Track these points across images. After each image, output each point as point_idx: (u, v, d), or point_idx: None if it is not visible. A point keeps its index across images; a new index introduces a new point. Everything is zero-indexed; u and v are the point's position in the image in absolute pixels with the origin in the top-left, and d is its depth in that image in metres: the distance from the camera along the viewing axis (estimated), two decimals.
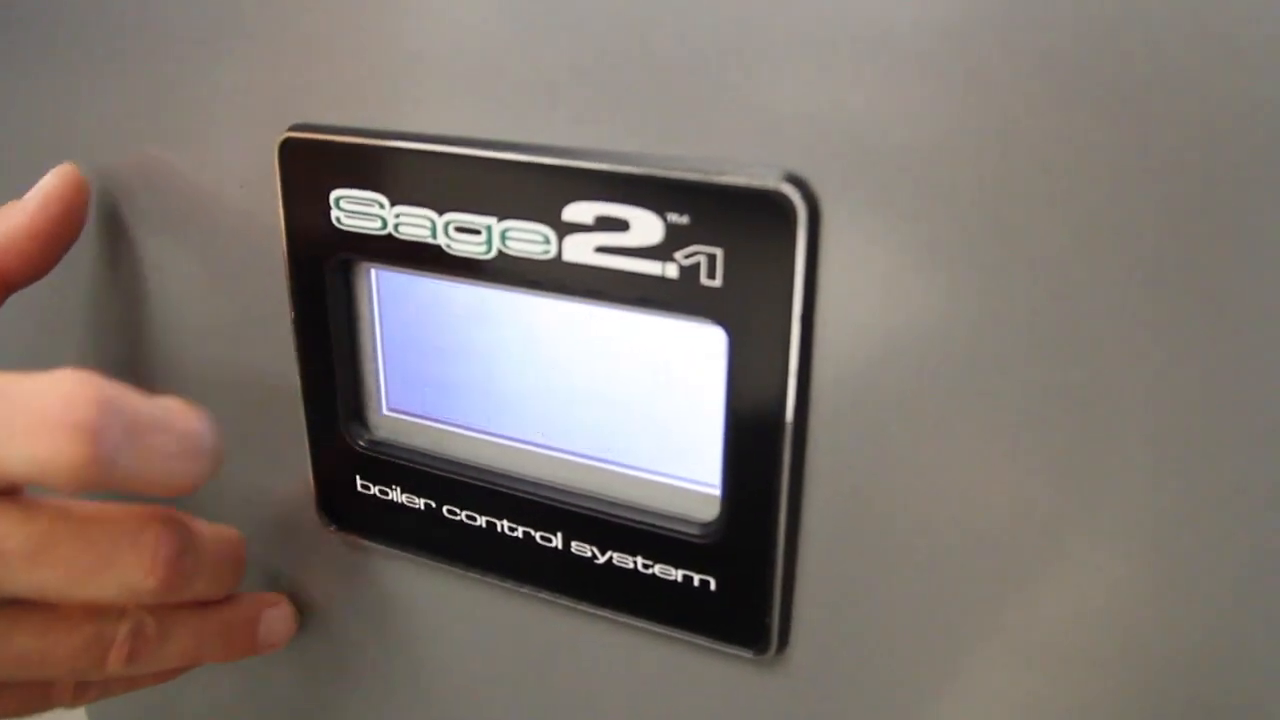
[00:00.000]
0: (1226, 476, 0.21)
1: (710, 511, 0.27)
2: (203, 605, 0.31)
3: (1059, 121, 0.20)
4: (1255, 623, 0.22)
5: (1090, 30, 0.20)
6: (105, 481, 0.24)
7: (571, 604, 0.29)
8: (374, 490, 0.31)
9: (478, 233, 0.26)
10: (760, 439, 0.25)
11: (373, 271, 0.29)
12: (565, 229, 0.25)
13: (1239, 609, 0.22)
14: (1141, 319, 0.21)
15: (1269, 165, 0.19)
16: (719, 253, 0.23)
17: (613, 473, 0.28)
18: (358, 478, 0.31)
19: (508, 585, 0.30)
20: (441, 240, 0.27)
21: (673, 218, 0.24)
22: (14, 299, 0.33)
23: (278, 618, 0.34)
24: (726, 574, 0.27)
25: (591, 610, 0.29)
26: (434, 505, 0.30)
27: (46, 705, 0.31)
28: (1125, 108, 0.20)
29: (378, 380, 0.31)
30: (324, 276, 0.29)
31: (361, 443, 0.31)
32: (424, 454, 0.30)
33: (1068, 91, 0.20)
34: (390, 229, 0.27)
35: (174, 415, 0.26)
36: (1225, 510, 0.22)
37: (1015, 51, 0.20)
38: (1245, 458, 0.21)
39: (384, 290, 0.30)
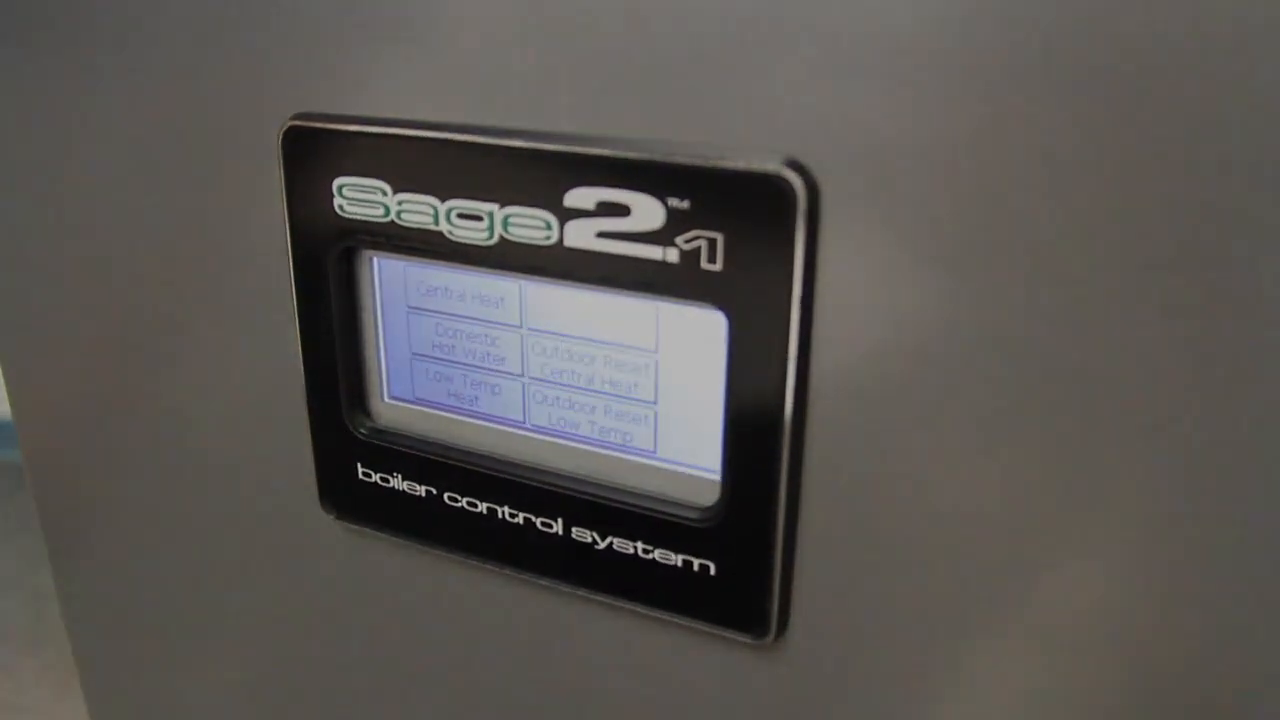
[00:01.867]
0: (1226, 469, 0.21)
1: (710, 496, 0.27)
2: None
3: (1058, 111, 0.21)
4: (1255, 616, 0.22)
5: (1090, 20, 0.20)
6: None
7: (571, 590, 0.30)
8: (375, 478, 0.31)
9: (480, 219, 0.26)
10: (760, 424, 0.25)
11: (375, 259, 0.30)
12: (567, 214, 0.25)
13: (1239, 602, 0.22)
14: (1143, 308, 0.21)
15: (1269, 157, 0.19)
16: (719, 237, 0.24)
17: (613, 458, 0.28)
18: (359, 465, 0.32)
19: (508, 572, 0.31)
20: (444, 227, 0.27)
21: (674, 202, 0.24)
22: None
23: None
24: (726, 559, 0.27)
25: (591, 596, 0.29)
26: (435, 492, 0.31)
27: None
28: (1125, 97, 0.20)
29: (379, 368, 0.31)
30: (326, 264, 0.29)
31: (363, 430, 0.31)
32: (425, 441, 0.31)
33: (1067, 81, 0.20)
34: (393, 216, 0.28)
35: None
36: (1225, 502, 0.22)
37: (1015, 41, 0.20)
38: (1245, 450, 0.21)
39: (386, 277, 0.30)
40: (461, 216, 0.27)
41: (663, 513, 0.27)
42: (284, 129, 0.28)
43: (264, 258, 0.31)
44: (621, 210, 0.24)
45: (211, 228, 0.32)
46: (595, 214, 0.25)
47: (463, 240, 0.27)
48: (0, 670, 1.51)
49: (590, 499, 0.28)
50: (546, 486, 0.29)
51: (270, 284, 0.32)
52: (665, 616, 0.28)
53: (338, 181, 0.28)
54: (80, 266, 0.36)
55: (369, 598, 0.35)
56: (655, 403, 0.27)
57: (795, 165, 0.23)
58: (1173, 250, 0.20)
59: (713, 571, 0.27)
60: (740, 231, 0.23)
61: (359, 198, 0.28)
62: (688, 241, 0.24)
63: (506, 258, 0.26)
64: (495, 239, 0.26)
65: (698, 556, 0.27)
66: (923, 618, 0.26)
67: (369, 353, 0.31)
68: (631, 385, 0.27)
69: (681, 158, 0.24)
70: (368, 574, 0.34)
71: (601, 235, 0.25)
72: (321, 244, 0.29)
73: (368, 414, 0.32)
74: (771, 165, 0.23)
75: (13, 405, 0.40)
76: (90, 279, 0.36)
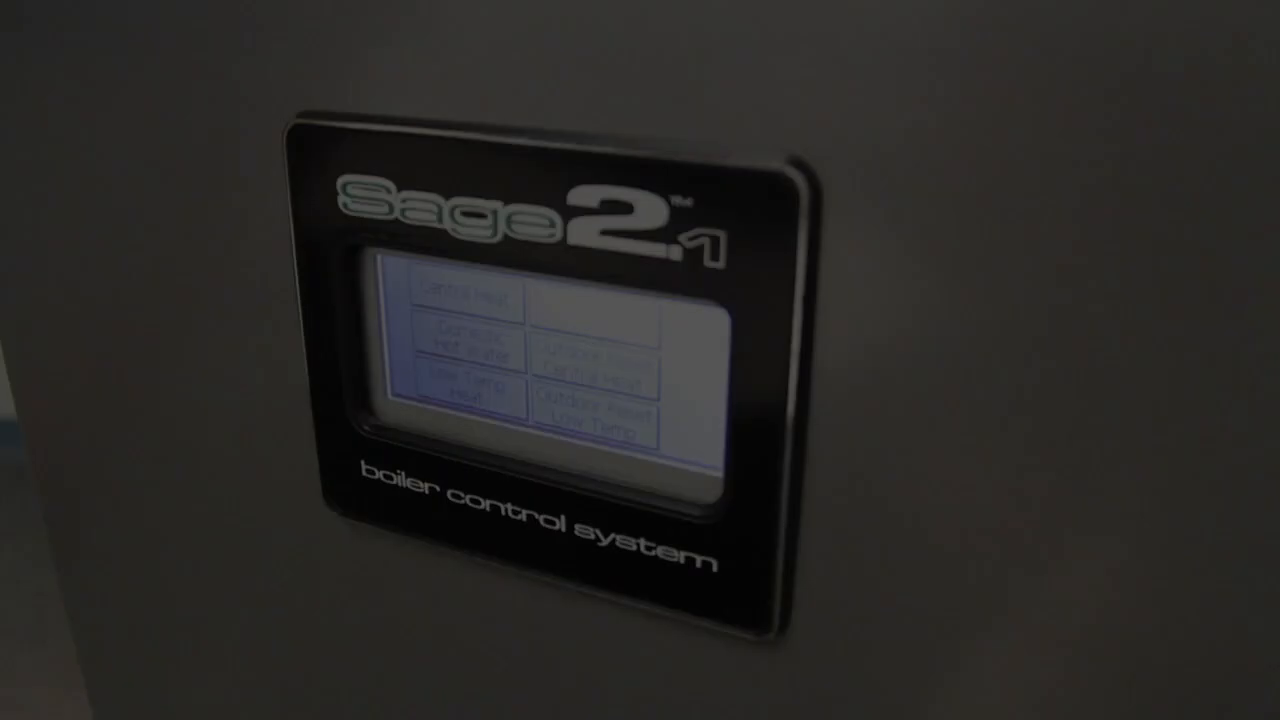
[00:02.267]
0: (1225, 469, 0.22)
1: (712, 493, 0.27)
2: None
3: (1060, 110, 0.21)
4: (1255, 616, 0.22)
5: (1092, 18, 0.20)
6: None
7: (574, 587, 0.30)
8: (379, 475, 0.32)
9: (484, 217, 0.26)
10: (762, 421, 0.25)
11: (379, 256, 0.30)
12: (570, 212, 0.25)
13: (1239, 602, 0.22)
14: (1144, 306, 0.21)
15: (1270, 157, 0.19)
16: (722, 235, 0.24)
17: (616, 455, 0.28)
18: (363, 463, 0.32)
19: (511, 569, 0.31)
20: (448, 224, 0.27)
21: (677, 200, 0.24)
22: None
23: None
24: (728, 556, 0.27)
25: (594, 593, 0.29)
26: (438, 489, 0.31)
27: None
28: (1126, 95, 0.20)
29: (383, 365, 0.31)
30: (331, 262, 0.29)
31: (366, 428, 0.31)
32: (428, 438, 0.31)
33: (1069, 80, 0.20)
34: (397, 214, 0.28)
35: None
36: (1224, 503, 0.22)
37: (1017, 39, 0.20)
38: (1246, 450, 0.21)
39: (390, 275, 0.30)
40: (465, 214, 0.27)
41: (665, 510, 0.27)
42: (289, 127, 0.29)
43: (268, 256, 0.31)
44: (625, 208, 0.25)
45: (216, 226, 0.32)
46: (599, 212, 0.25)
47: (467, 238, 0.27)
48: (1, 668, 1.51)
49: (593, 496, 0.28)
50: (549, 483, 0.29)
51: (274, 282, 0.32)
52: (667, 613, 0.28)
53: (342, 179, 0.28)
54: (84, 265, 0.36)
55: (372, 594, 0.35)
56: (658, 400, 0.27)
57: (798, 163, 0.23)
58: (1174, 249, 0.21)
59: (715, 569, 0.27)
60: (743, 229, 0.24)
61: (363, 195, 0.28)
62: (691, 239, 0.24)
63: (510, 255, 0.27)
64: (499, 236, 0.26)
65: (700, 554, 0.27)
66: (924, 615, 0.26)
67: (373, 350, 0.31)
68: (634, 382, 0.27)
69: (685, 156, 0.24)
70: (371, 571, 0.34)
71: (605, 233, 0.25)
72: (326, 241, 0.29)
73: (371, 411, 0.32)
74: (775, 163, 0.23)
75: (18, 403, 0.40)
76: (95, 277, 0.36)
